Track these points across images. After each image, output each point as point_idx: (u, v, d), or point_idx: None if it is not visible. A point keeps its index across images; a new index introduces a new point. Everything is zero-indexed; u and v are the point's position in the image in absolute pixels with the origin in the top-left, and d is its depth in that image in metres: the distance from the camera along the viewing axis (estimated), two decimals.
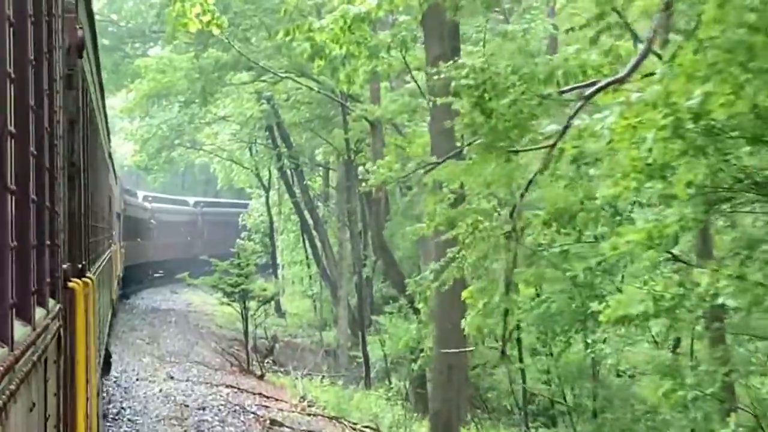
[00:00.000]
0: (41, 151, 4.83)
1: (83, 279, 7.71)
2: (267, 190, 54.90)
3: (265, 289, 32.41)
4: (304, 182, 46.44)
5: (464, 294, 23.94)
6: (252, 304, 32.72)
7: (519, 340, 23.53)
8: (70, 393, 6.58)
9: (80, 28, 7.52)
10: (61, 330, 6.04)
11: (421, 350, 29.22)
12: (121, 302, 47.65)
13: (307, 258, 55.19)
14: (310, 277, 54.68)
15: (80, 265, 8.05)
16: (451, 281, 22.80)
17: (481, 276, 22.72)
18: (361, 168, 31.84)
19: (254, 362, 32.16)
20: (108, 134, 19.90)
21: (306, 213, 47.95)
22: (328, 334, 48.31)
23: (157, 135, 49.72)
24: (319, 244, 47.68)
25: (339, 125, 45.00)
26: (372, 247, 46.99)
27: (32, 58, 4.35)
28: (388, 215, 48.63)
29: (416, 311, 30.50)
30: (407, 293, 30.46)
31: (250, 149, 54.73)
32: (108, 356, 19.79)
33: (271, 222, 55.28)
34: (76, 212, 7.71)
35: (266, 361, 33.41)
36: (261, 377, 30.82)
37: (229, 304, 32.92)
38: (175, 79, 37.41)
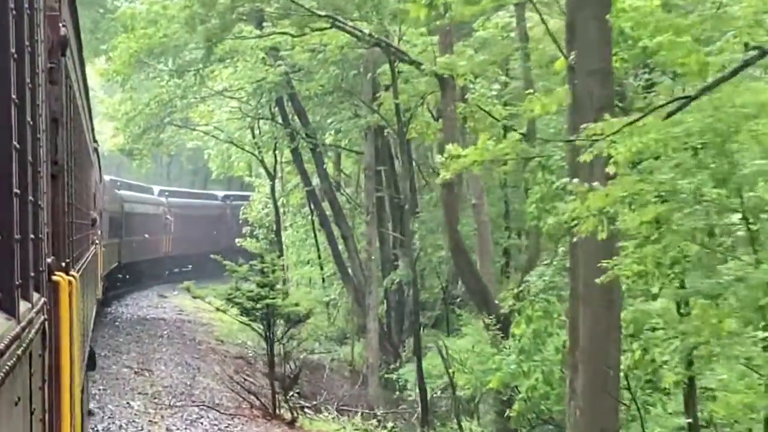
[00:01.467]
0: (24, 145, 4.85)
1: (68, 276, 7.47)
2: (273, 178, 46.71)
3: (296, 304, 24.17)
4: (324, 166, 38.33)
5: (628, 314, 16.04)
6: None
7: None
8: (55, 387, 6.50)
9: (63, 25, 7.42)
10: (46, 324, 5.91)
11: (515, 387, 21.25)
12: (102, 312, 39.68)
13: (319, 257, 47.11)
14: (323, 279, 46.56)
15: (64, 263, 7.85)
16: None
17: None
18: (438, 156, 23.94)
19: (278, 393, 24.19)
20: (92, 131, 19.18)
21: (321, 204, 39.90)
22: (349, 350, 40.31)
23: (143, 113, 41.64)
24: (340, 241, 39.60)
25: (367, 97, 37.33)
26: (397, 248, 39.07)
27: (14, 51, 4.30)
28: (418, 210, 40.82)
29: (504, 333, 22.51)
30: (498, 309, 22.50)
31: (252, 130, 46.53)
32: (92, 353, 18.51)
33: (278, 215, 47.15)
34: (60, 210, 7.66)
35: (291, 394, 25.34)
36: (292, 423, 22.82)
37: (248, 325, 24.80)
38: (170, 32, 29.29)
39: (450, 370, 24.38)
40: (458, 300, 38.37)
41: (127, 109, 42.04)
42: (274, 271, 23.24)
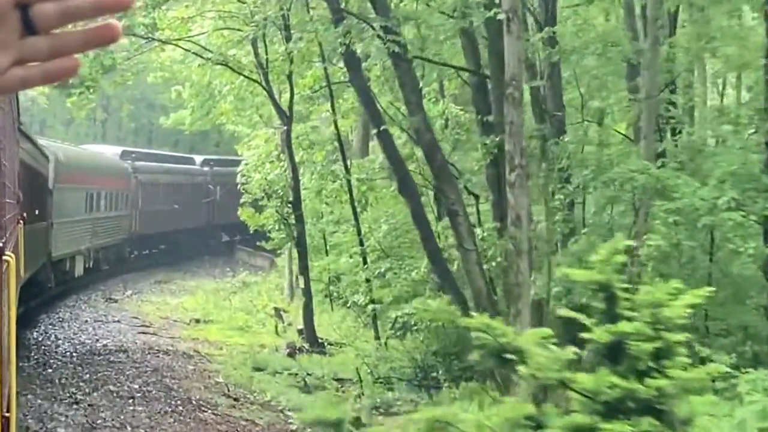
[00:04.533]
0: None
1: (4, 256, 7.93)
2: (289, 120, 29.70)
3: None
4: (420, 89, 21.62)
5: None
6: None
7: None
8: None
9: None
10: None
11: None
12: (22, 342, 22.99)
13: (361, 244, 30.43)
14: (368, 280, 29.56)
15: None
16: None
17: None
18: None
19: None
20: (18, 108, 18.10)
21: (393, 155, 23.10)
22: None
23: None
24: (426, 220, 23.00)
25: None
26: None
27: None
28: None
29: None
30: None
31: (254, 44, 29.49)
32: None
33: (296, 176, 30.06)
34: None
35: None
36: None
37: None
38: None
39: None
40: None
41: None
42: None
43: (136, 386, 21.37)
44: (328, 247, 35.67)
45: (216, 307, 36.22)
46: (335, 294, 36.40)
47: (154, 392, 21.06)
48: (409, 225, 32.08)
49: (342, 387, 24.66)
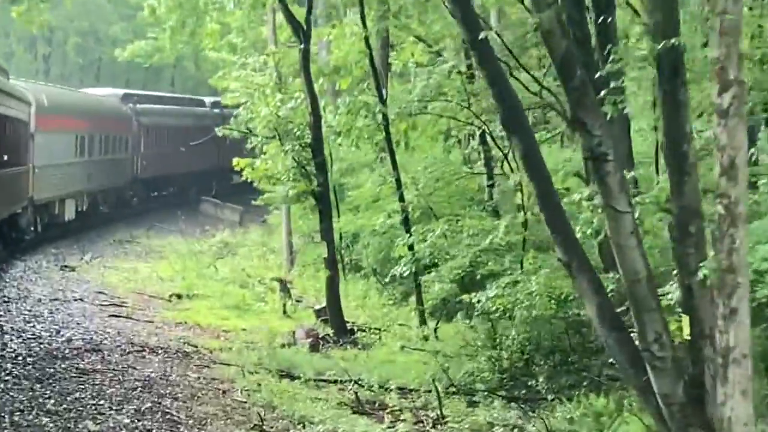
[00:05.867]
0: None
1: None
2: (307, 38, 22.32)
3: None
4: None
5: None
6: None
7: None
8: None
9: None
10: None
11: None
12: None
13: (401, 198, 23.20)
14: (411, 248, 22.24)
15: None
16: None
17: None
18: None
19: None
20: None
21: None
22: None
23: None
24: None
25: None
26: None
27: None
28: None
29: None
30: None
31: None
32: None
33: (317, 114, 22.64)
34: None
35: None
36: None
37: None
38: None
39: None
40: None
41: None
42: None
43: (126, 419, 14.15)
44: (339, 203, 28.49)
45: (200, 277, 29.01)
46: (347, 261, 29.40)
47: (154, 431, 13.86)
48: (451, 173, 25.21)
49: (405, 399, 17.62)
